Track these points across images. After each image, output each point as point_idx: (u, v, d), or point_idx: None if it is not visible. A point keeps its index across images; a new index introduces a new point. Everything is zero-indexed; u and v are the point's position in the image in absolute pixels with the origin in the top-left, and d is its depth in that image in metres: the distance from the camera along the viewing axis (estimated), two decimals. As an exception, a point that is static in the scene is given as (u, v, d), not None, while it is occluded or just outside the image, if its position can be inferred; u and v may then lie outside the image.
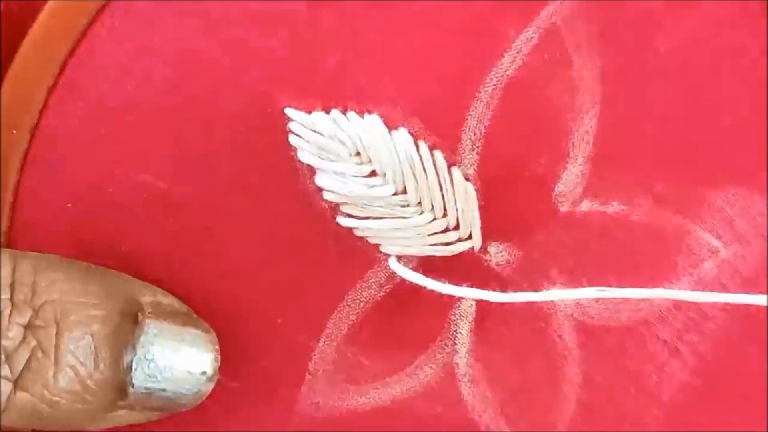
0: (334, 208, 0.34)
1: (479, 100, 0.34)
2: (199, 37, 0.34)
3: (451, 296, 0.34)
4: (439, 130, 0.34)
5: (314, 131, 0.34)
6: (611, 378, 0.34)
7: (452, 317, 0.34)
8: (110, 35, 0.34)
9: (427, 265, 0.34)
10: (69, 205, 0.34)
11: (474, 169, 0.34)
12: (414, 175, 0.34)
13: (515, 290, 0.34)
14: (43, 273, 0.31)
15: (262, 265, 0.34)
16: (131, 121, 0.34)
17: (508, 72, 0.34)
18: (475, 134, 0.34)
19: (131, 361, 0.31)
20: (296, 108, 0.34)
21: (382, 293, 0.34)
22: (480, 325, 0.34)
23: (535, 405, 0.34)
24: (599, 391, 0.34)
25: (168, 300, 0.33)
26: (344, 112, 0.34)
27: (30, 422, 0.31)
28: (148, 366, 0.32)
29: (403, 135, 0.34)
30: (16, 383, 0.31)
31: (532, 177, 0.34)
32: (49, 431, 0.31)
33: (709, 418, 0.34)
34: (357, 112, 0.34)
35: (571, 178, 0.34)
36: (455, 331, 0.34)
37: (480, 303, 0.34)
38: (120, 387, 0.32)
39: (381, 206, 0.34)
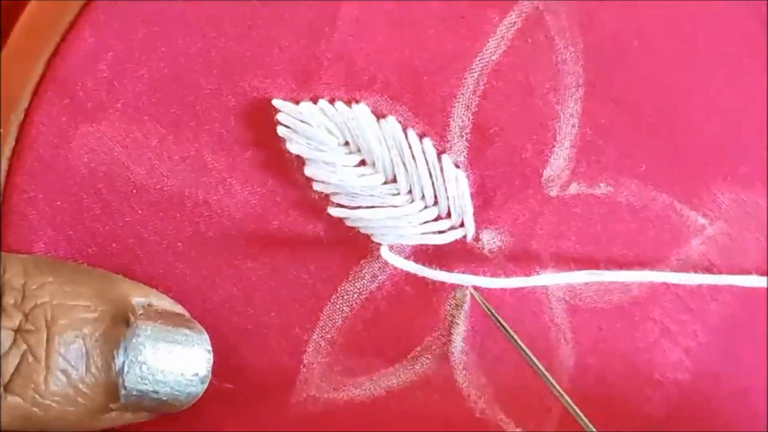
0: (325, 198, 0.34)
1: (466, 87, 0.34)
2: (184, 32, 0.33)
3: (445, 286, 0.34)
4: (428, 118, 0.34)
5: (302, 122, 0.33)
6: (604, 359, 0.34)
7: (447, 306, 0.34)
8: (94, 33, 0.33)
9: (420, 254, 0.34)
10: (58, 203, 0.33)
11: (464, 156, 0.34)
12: (404, 163, 0.33)
13: (508, 276, 0.34)
14: (32, 276, 0.31)
15: (253, 259, 0.34)
16: (119, 118, 0.33)
17: (493, 57, 0.34)
18: (463, 121, 0.34)
19: (123, 364, 0.31)
20: (283, 99, 0.33)
21: (375, 284, 0.34)
22: (474, 313, 0.34)
23: (529, 390, 0.34)
24: (592, 373, 0.34)
25: (160, 301, 0.33)
26: (332, 102, 0.33)
27: (22, 426, 0.31)
28: (140, 368, 0.31)
29: (391, 123, 0.33)
30: (7, 387, 0.30)
31: (521, 162, 0.34)
32: (42, 435, 0.31)
33: (701, 397, 0.35)
34: (344, 102, 0.33)
35: (558, 161, 0.34)
36: (450, 320, 0.34)
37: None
38: (112, 390, 0.31)
39: (372, 195, 0.33)
